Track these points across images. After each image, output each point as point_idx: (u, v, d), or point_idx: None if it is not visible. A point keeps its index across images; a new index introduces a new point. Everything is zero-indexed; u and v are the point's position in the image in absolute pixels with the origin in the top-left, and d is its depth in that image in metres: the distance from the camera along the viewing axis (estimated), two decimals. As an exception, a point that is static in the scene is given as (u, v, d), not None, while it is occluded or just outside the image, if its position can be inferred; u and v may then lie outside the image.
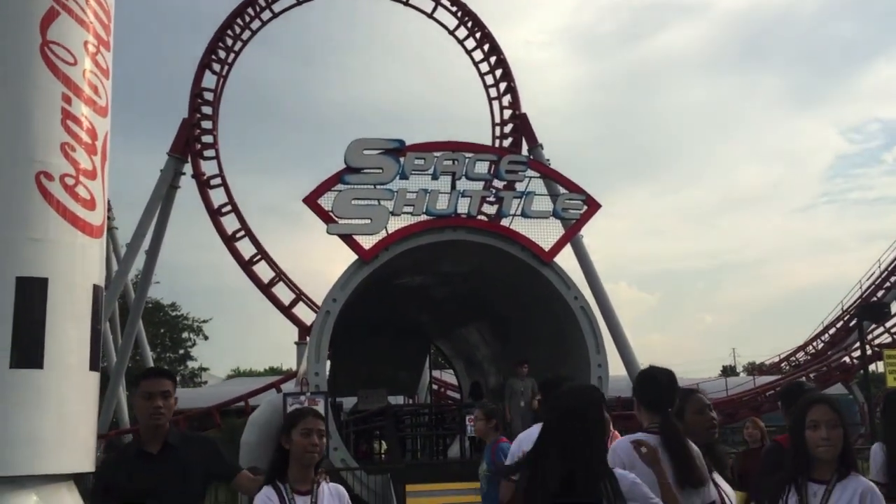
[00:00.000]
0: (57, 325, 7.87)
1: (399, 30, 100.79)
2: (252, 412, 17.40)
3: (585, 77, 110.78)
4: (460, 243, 14.79)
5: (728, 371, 52.68)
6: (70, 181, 8.08)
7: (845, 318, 31.74)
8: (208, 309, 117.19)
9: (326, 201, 13.94)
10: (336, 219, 13.91)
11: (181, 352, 51.61)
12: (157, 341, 48.10)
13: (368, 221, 14.10)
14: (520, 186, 15.58)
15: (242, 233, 23.76)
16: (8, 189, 7.98)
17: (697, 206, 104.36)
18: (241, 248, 23.76)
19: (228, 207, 23.71)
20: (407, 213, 14.33)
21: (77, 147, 8.36)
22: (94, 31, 8.70)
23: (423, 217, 14.43)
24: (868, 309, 21.92)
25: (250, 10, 24.87)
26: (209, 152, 23.82)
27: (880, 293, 30.25)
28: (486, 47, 25.63)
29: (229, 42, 24.62)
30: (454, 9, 25.59)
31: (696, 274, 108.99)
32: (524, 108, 24.70)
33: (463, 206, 14.67)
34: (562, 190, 15.84)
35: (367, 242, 14.13)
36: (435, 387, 24.45)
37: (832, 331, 32.42)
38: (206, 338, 51.82)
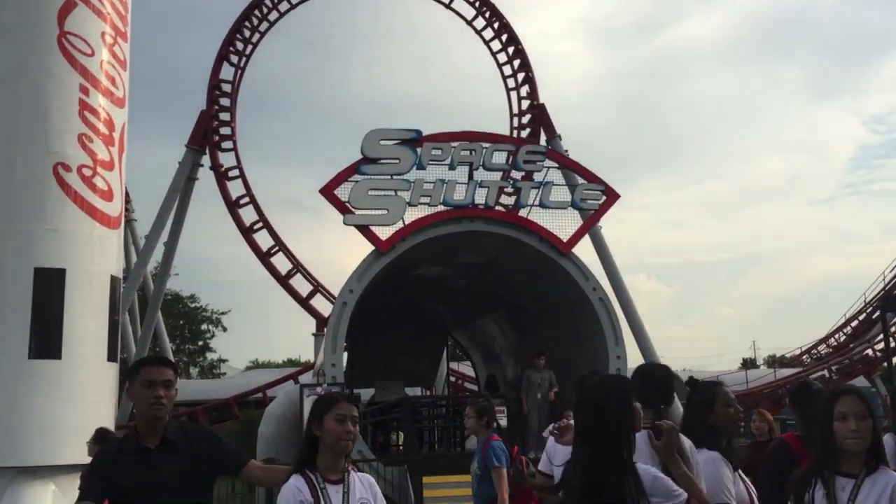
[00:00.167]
0: (75, 316, 7.93)
1: (418, 21, 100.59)
2: (269, 403, 17.47)
3: (604, 67, 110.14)
4: (478, 234, 14.71)
5: (748, 364, 52.32)
6: (87, 172, 8.11)
7: (868, 311, 31.39)
8: (227, 301, 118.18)
9: (343, 192, 13.90)
10: (353, 210, 13.87)
11: (200, 343, 52.06)
12: (177, 333, 48.53)
13: (385, 212, 14.05)
14: (538, 177, 15.46)
15: (260, 224, 23.85)
16: (25, 180, 8.02)
17: (717, 197, 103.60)
18: (258, 240, 23.86)
19: (246, 199, 23.81)
20: (424, 203, 14.26)
21: (94, 138, 8.38)
22: (111, 22, 8.70)
23: (441, 208, 14.35)
24: (891, 301, 21.65)
25: (268, 2, 24.90)
26: (227, 144, 23.91)
27: (903, 285, 29.88)
28: (503, 37, 25.49)
29: (247, 34, 24.66)
30: (472, -1, 25.49)
31: (716, 266, 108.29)
32: (542, 99, 24.58)
33: (480, 197, 14.58)
34: (580, 180, 15.70)
35: (383, 233, 14.08)
36: (452, 378, 24.44)
37: (854, 323, 32.09)
38: (224, 329, 52.27)
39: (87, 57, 7.77)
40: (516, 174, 16.58)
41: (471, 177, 14.68)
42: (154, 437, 3.54)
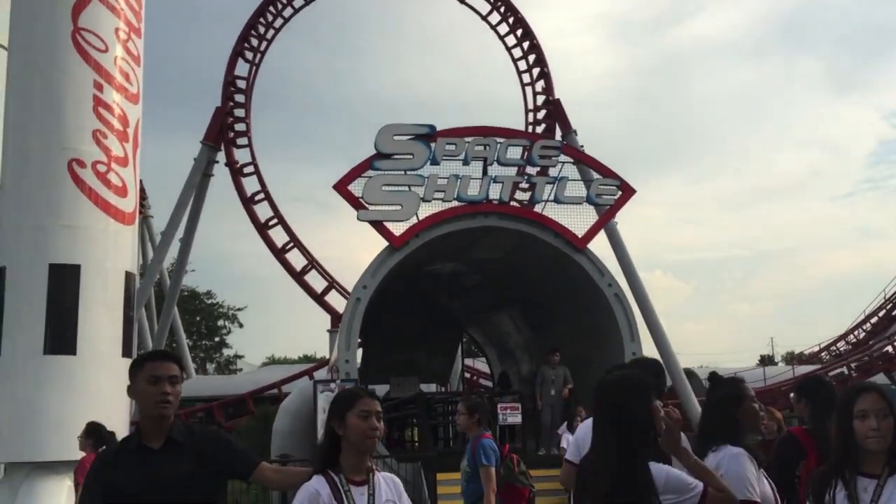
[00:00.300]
0: (89, 312, 7.97)
1: (431, 16, 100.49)
2: (284, 399, 17.53)
3: (620, 63, 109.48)
4: (492, 229, 14.66)
5: (766, 360, 51.95)
6: (102, 168, 8.14)
7: (888, 307, 31.09)
8: (243, 297, 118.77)
9: (357, 188, 13.90)
10: (366, 205, 13.86)
11: (216, 339, 52.35)
12: (193, 329, 48.84)
13: (399, 208, 14.02)
14: (553, 172, 15.38)
15: (275, 221, 23.92)
16: (40, 176, 8.07)
17: (734, 193, 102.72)
18: (273, 236, 23.93)
19: (261, 195, 23.87)
20: (438, 199, 14.22)
21: (109, 134, 8.41)
22: (125, 18, 8.72)
23: (455, 203, 14.32)
24: (911, 297, 21.37)
25: (282, -2, 24.90)
26: (242, 140, 23.97)
27: (924, 281, 29.55)
28: (518, 32, 25.37)
29: (261, 30, 24.69)
30: (486, -7, 25.37)
31: (733, 262, 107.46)
32: (557, 94, 24.44)
33: (494, 192, 14.52)
34: (595, 175, 15.61)
35: (397, 229, 14.06)
36: (467, 375, 24.41)
37: (874, 320, 31.79)
38: (241, 325, 52.51)
39: (101, 53, 7.78)
40: (531, 169, 16.51)
41: (485, 172, 14.63)
42: (158, 437, 3.30)
